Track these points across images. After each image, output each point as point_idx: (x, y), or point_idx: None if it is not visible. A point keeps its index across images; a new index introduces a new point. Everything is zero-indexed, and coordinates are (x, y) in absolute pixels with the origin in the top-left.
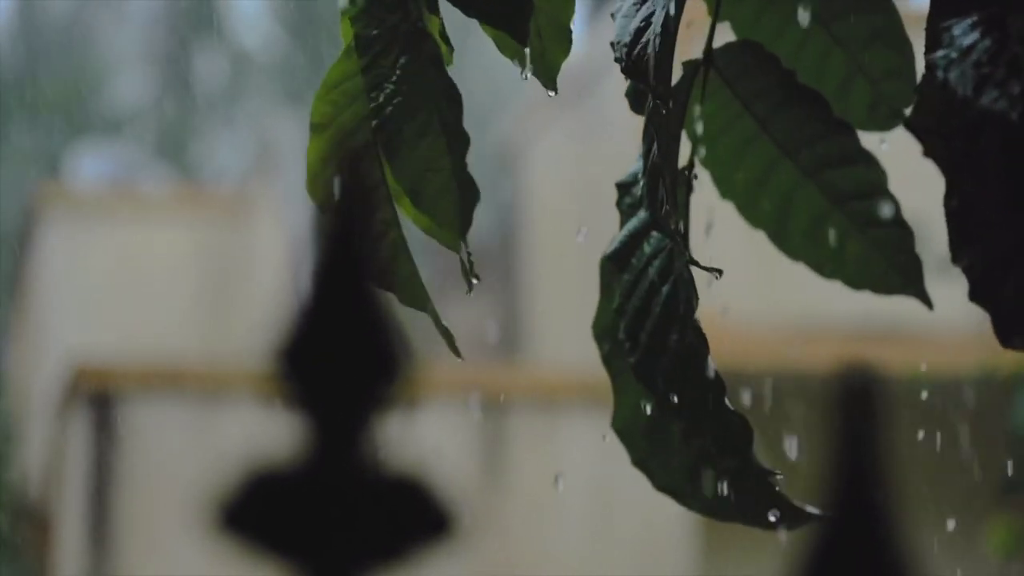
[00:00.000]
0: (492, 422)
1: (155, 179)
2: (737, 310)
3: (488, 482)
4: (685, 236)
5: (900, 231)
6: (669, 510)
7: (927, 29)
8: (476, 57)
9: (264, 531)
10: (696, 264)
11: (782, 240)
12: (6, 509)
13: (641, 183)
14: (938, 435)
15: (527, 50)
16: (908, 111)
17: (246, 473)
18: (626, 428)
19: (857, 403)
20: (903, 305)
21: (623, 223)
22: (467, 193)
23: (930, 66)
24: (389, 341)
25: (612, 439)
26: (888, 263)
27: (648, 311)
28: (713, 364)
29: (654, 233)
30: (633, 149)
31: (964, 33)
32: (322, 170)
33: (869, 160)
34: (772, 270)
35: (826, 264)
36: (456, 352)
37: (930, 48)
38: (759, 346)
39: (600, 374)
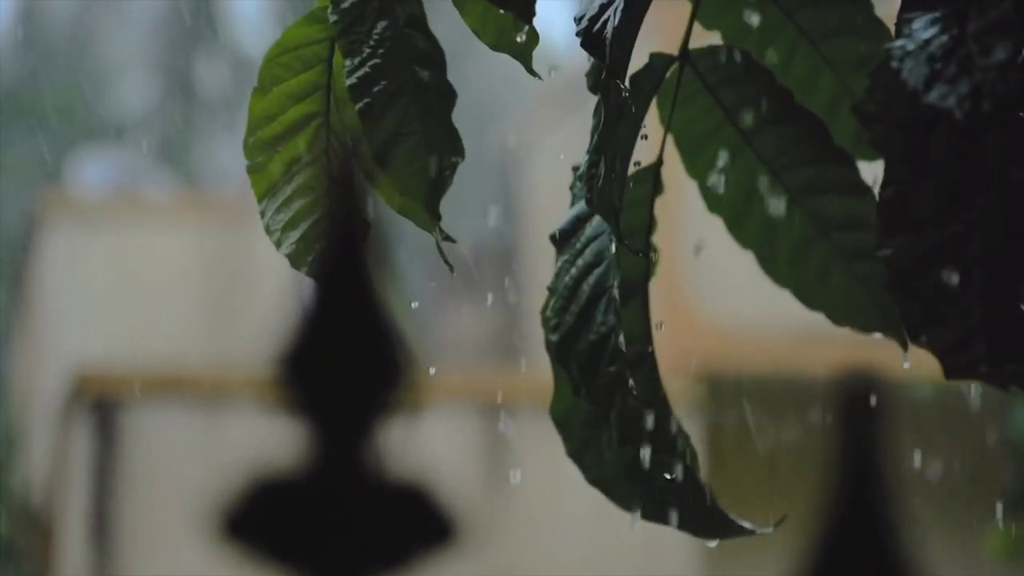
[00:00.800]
0: (494, 426)
1: (158, 185)
2: (739, 314)
3: (491, 486)
4: (617, 223)
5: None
6: None
7: (897, 24)
8: (477, 60)
9: (267, 537)
10: (622, 243)
11: (768, 264)
12: (9, 515)
13: (584, 159)
14: (939, 440)
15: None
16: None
17: (249, 479)
18: (564, 419)
19: (858, 407)
20: None
21: (572, 204)
22: (450, 149)
23: (887, 55)
24: (391, 347)
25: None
26: (870, 300)
27: (578, 292)
28: (623, 346)
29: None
30: (634, 151)
31: (924, 27)
32: (260, 127)
33: (863, 192)
34: None
35: (810, 294)
36: (449, 267)
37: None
38: (761, 350)
39: None
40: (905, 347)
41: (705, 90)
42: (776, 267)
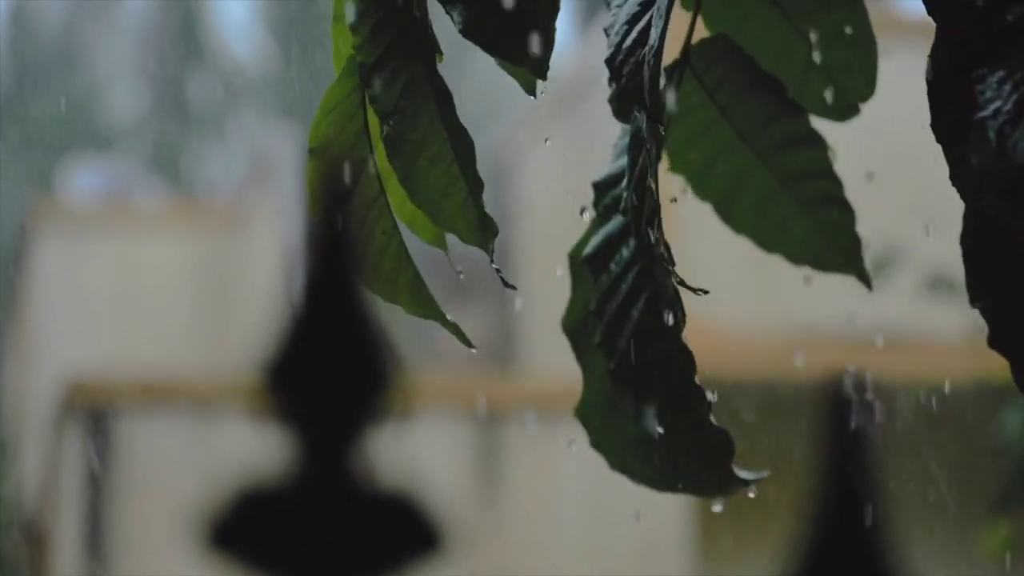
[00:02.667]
0: (485, 433)
1: (149, 193)
2: (731, 319)
3: (483, 493)
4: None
5: (842, 211)
6: (666, 518)
7: (937, 67)
8: (470, 67)
9: (255, 546)
10: (684, 284)
11: (728, 215)
12: (2, 523)
13: (625, 195)
14: (929, 443)
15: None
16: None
17: (236, 489)
18: (587, 413)
19: (848, 412)
20: (896, 314)
21: (598, 223)
22: (486, 229)
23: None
24: (379, 352)
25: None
26: (829, 241)
27: (627, 317)
28: (697, 381)
29: (632, 239)
30: None
31: (1006, 90)
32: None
33: (816, 141)
34: (766, 279)
35: (769, 240)
36: (468, 343)
37: (945, 84)
38: (752, 355)
39: None
40: (869, 287)
41: (692, 78)
42: (737, 218)
